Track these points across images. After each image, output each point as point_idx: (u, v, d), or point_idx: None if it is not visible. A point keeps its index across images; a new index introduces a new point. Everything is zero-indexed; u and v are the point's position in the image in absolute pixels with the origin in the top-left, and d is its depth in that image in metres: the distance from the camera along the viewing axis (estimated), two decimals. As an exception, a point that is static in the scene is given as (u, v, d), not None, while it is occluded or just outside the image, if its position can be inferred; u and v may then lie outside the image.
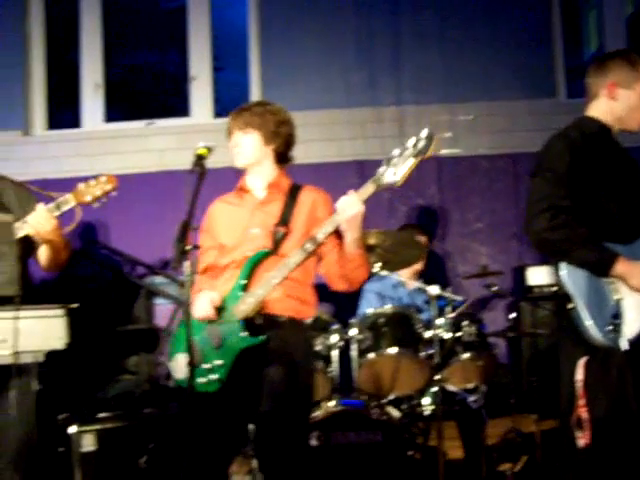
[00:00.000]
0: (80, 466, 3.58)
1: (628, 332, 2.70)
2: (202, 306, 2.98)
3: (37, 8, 5.95)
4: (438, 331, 4.01)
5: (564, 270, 2.74)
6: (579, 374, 2.74)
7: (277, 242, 3.04)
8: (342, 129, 5.60)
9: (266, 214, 3.11)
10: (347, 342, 4.06)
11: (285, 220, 3.08)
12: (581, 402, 2.72)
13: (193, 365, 2.68)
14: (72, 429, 3.60)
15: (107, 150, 5.69)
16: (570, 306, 2.73)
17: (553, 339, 4.24)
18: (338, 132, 5.59)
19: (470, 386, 4.26)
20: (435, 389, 4.00)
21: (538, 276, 4.94)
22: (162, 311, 5.26)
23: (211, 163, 2.90)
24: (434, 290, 4.02)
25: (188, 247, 2.64)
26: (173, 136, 5.66)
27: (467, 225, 5.53)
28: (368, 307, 4.47)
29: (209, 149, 2.87)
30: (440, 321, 4.07)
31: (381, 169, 2.93)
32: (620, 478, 2.70)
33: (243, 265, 3.03)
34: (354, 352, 4.03)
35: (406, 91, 5.59)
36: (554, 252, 2.79)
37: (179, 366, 3.06)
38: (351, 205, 2.89)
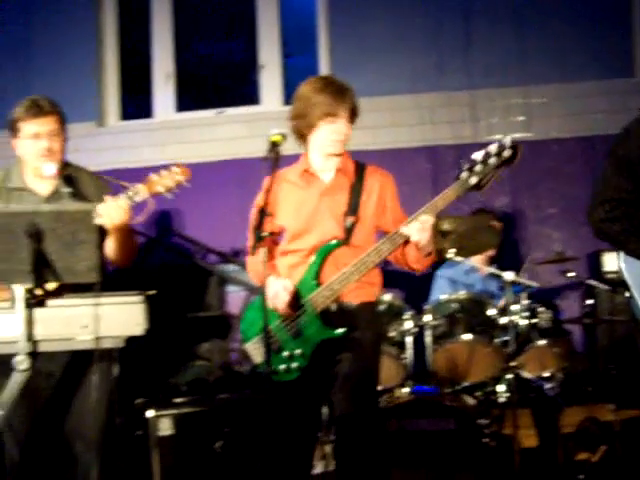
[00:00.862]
0: (158, 450, 3.64)
1: None
2: (279, 297, 2.96)
3: (110, 1, 6.05)
4: (513, 317, 3.95)
5: (622, 260, 2.70)
6: None
7: (348, 231, 3.02)
8: (411, 114, 5.54)
9: (334, 201, 3.07)
10: (421, 328, 4.03)
11: (354, 208, 3.04)
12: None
13: (270, 351, 2.70)
14: (150, 413, 3.65)
15: (178, 139, 5.76)
16: (627, 295, 2.68)
17: (631, 326, 4.14)
18: (407, 117, 5.54)
19: (546, 373, 4.20)
20: (510, 376, 3.94)
21: (614, 261, 4.81)
22: (234, 298, 5.31)
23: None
24: (509, 276, 3.96)
25: (264, 234, 2.64)
26: (243, 124, 5.69)
27: (540, 210, 5.42)
28: (441, 293, 4.44)
29: (283, 136, 2.84)
30: (515, 307, 4.01)
31: (463, 175, 2.84)
32: None
33: (316, 254, 3.01)
34: (428, 338, 4.01)
35: (477, 74, 5.49)
36: (611, 243, 2.76)
37: (255, 350, 3.08)
38: (420, 232, 2.86)
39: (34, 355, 2.29)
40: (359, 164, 3.15)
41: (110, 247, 3.19)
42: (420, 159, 5.34)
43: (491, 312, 4.04)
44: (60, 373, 3.17)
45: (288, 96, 5.86)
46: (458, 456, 3.67)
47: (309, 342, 2.97)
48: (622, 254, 2.71)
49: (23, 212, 2.28)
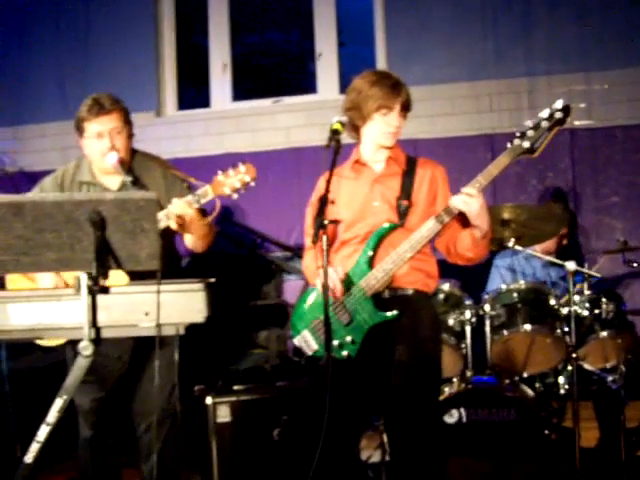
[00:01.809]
0: (216, 436, 3.67)
1: None
2: (330, 279, 2.93)
3: (168, -6, 6.13)
4: (575, 308, 3.87)
5: None
6: None
7: (402, 215, 3.00)
8: (469, 102, 5.47)
9: (387, 187, 3.06)
10: (480, 318, 3.98)
11: (407, 193, 3.03)
12: None
13: (329, 340, 2.70)
14: (208, 400, 3.69)
15: (235, 129, 5.80)
16: None
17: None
18: (465, 105, 5.48)
19: (608, 365, 4.10)
20: (571, 368, 3.87)
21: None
22: (291, 287, 5.34)
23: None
24: (571, 266, 3.87)
25: (326, 221, 2.64)
26: (300, 113, 5.70)
27: (602, 199, 5.31)
28: (499, 282, 4.39)
29: (343, 124, 2.83)
30: (577, 298, 3.93)
31: (516, 141, 2.89)
32: None
33: (369, 238, 2.99)
34: (487, 328, 3.95)
35: (537, 61, 5.40)
36: None
37: (306, 342, 3.09)
38: (465, 202, 2.84)
39: (97, 341, 2.33)
40: (410, 156, 3.16)
41: (187, 239, 3.27)
42: (479, 147, 5.27)
43: (552, 302, 3.97)
44: (128, 357, 3.25)
45: (344, 85, 5.85)
46: (519, 447, 3.62)
47: (360, 328, 2.96)
48: None
49: (87, 200, 2.30)
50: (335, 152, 2.79)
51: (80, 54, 6.00)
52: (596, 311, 3.99)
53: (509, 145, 2.91)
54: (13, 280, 3.25)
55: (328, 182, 2.76)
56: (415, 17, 5.58)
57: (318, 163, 2.85)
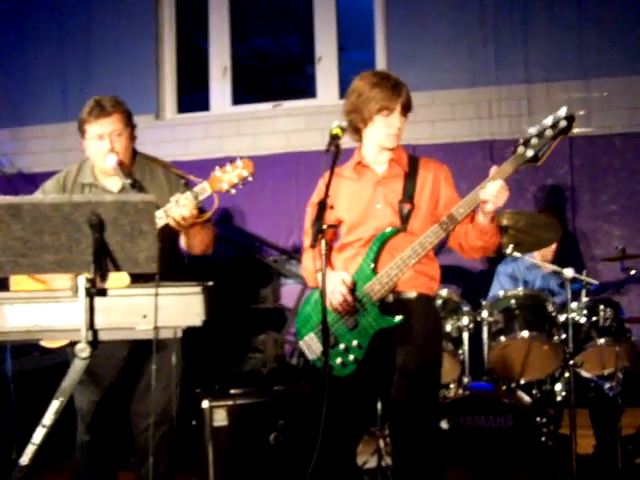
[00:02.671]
0: (212, 440, 3.66)
1: None
2: (337, 291, 2.94)
3: (168, -4, 6.14)
4: (573, 315, 3.87)
5: None
6: None
7: (404, 219, 2.99)
8: (469, 108, 5.49)
9: (389, 190, 3.05)
10: (478, 324, 3.98)
11: (409, 196, 3.02)
12: None
13: (329, 346, 2.69)
14: (205, 404, 3.68)
15: (235, 132, 5.81)
16: None
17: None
18: (465, 111, 5.50)
19: (606, 373, 4.09)
20: (568, 375, 3.87)
21: (678, 260, 4.69)
22: (288, 291, 5.33)
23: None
24: (569, 273, 3.87)
25: (324, 226, 2.63)
26: (300, 117, 5.71)
27: (601, 207, 5.32)
28: (500, 289, 4.39)
29: (343, 129, 2.81)
30: (575, 305, 3.93)
31: (520, 149, 2.85)
32: None
33: (372, 243, 2.99)
34: (485, 335, 3.96)
35: (536, 68, 5.43)
36: None
37: (311, 346, 3.08)
38: (500, 193, 2.81)
39: (95, 344, 2.32)
40: (412, 157, 3.14)
41: (183, 241, 3.25)
42: (478, 153, 5.28)
43: (550, 309, 3.97)
44: (126, 359, 3.25)
45: (344, 90, 5.85)
46: (515, 453, 3.62)
47: (366, 333, 2.96)
48: None
49: (85, 202, 2.29)
50: (334, 157, 2.78)
51: (80, 56, 6.01)
52: (594, 318, 3.99)
53: (514, 152, 2.86)
54: (18, 282, 3.24)
55: (327, 187, 2.75)
56: (415, 23, 5.59)
57: (317, 167, 2.84)
